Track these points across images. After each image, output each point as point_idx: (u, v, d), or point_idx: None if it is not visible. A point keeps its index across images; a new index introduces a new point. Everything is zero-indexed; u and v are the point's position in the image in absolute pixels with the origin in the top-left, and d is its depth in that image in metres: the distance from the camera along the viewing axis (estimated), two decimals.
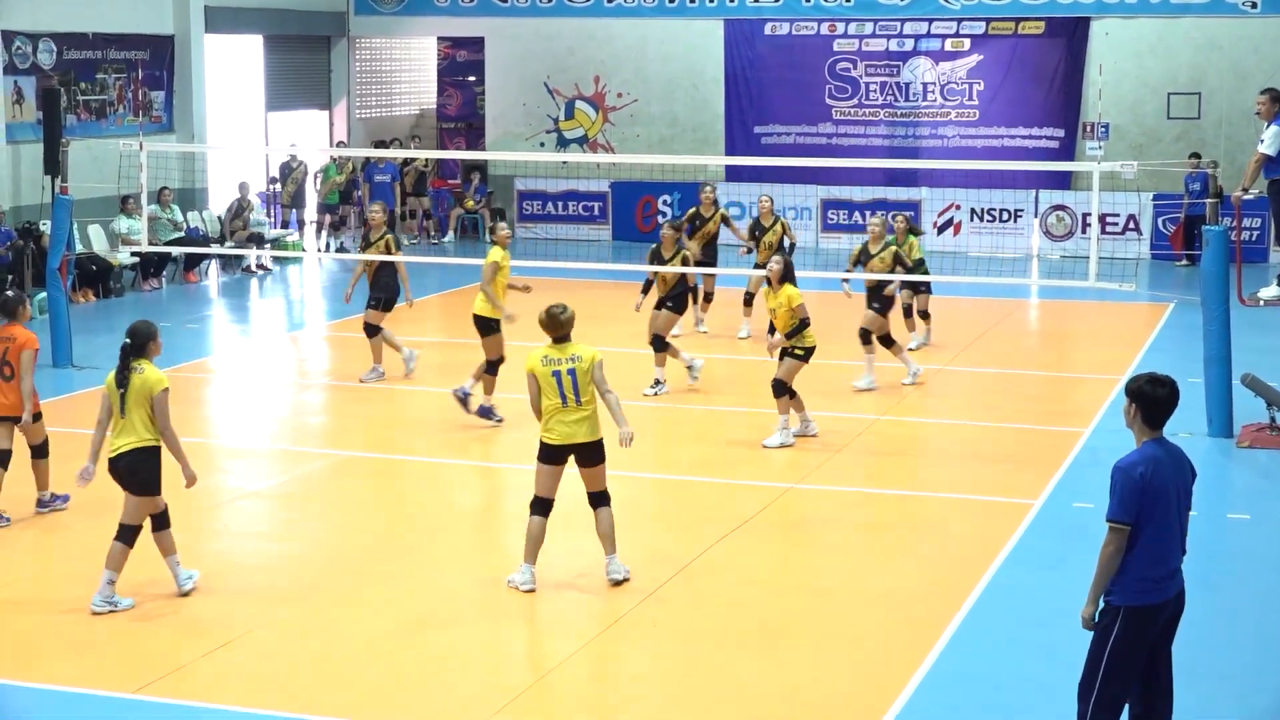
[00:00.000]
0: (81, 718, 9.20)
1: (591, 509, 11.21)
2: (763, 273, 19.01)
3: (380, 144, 31.56)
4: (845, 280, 18.58)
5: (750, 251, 20.04)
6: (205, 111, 28.20)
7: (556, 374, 10.89)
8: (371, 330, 17.75)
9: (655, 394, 16.93)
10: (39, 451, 12.70)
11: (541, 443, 11.01)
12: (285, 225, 29.14)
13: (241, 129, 30.52)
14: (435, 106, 34.36)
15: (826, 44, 29.97)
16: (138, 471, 10.54)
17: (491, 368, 15.75)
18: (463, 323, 18.11)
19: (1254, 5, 27.86)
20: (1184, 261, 27.04)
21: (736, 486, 13.82)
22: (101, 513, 11.68)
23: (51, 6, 25.13)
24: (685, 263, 17.29)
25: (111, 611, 10.55)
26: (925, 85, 29.60)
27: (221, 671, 9.67)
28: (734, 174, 30.21)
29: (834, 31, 29.93)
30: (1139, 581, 7.52)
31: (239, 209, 26.92)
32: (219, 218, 27.20)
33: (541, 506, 11.07)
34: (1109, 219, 27.69)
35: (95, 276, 23.71)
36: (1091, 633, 7.64)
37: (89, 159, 23.80)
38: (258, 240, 26.85)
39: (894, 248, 17.50)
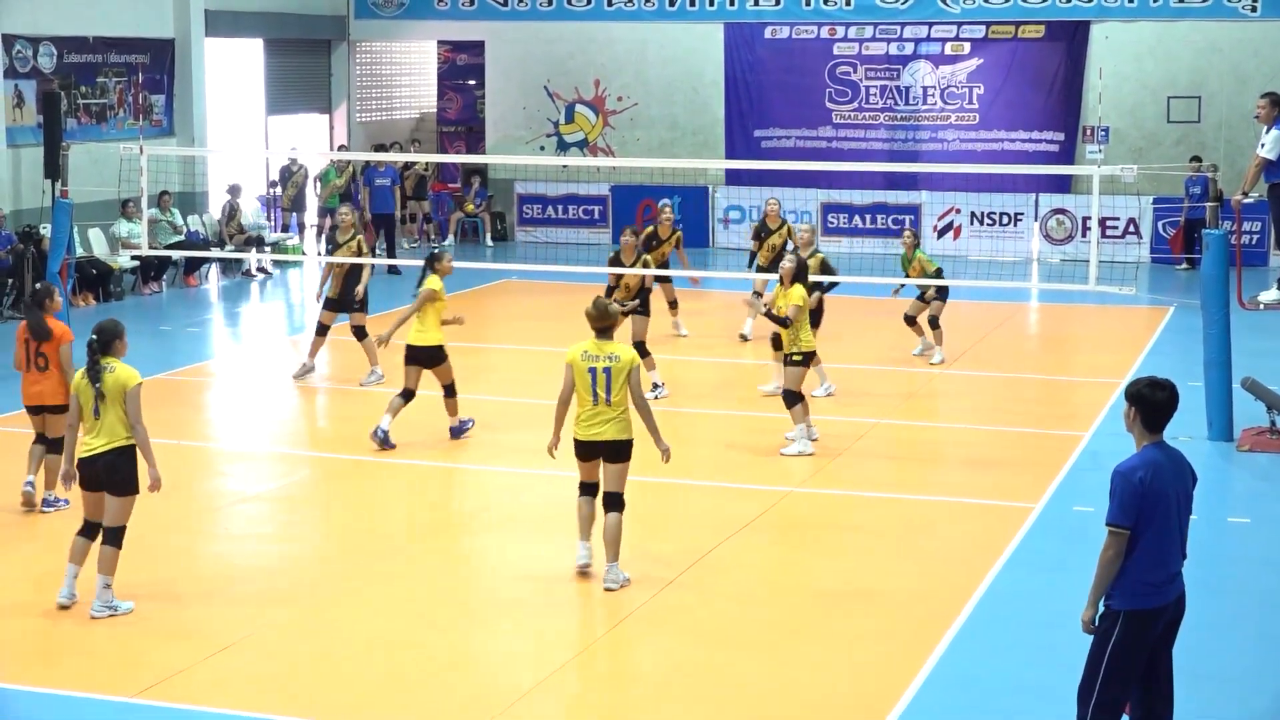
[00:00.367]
0: None
1: (604, 510, 11.25)
2: (762, 276, 19.11)
3: (380, 147, 31.57)
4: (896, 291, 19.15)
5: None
6: (205, 115, 28.20)
7: (592, 370, 11.06)
8: (360, 333, 17.82)
9: (656, 397, 16.91)
10: (56, 447, 12.63)
11: (575, 440, 11.26)
12: (285, 229, 29.14)
13: (242, 133, 30.51)
14: (435, 110, 34.37)
15: (826, 47, 29.98)
16: (119, 470, 10.48)
17: (449, 392, 15.33)
18: (465, 327, 18.10)
19: (1254, 9, 27.87)
20: (1184, 265, 27.05)
21: (737, 490, 13.82)
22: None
23: (52, 10, 25.13)
24: (646, 267, 17.38)
25: (112, 615, 10.54)
26: (925, 89, 29.61)
27: (221, 675, 9.67)
28: (734, 177, 30.22)
29: (834, 35, 29.94)
30: (1139, 585, 7.52)
31: (232, 212, 26.94)
32: (218, 221, 27.20)
33: (587, 488, 11.36)
34: (1109, 222, 27.71)
35: (95, 280, 23.71)
36: (1091, 636, 7.65)
37: (89, 163, 23.80)
38: (258, 244, 26.86)
39: (821, 254, 17.37)
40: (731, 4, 30.31)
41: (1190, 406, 14.83)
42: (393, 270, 25.14)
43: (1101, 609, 7.61)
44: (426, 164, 30.62)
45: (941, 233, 29.14)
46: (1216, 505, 13.38)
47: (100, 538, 10.56)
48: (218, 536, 12.75)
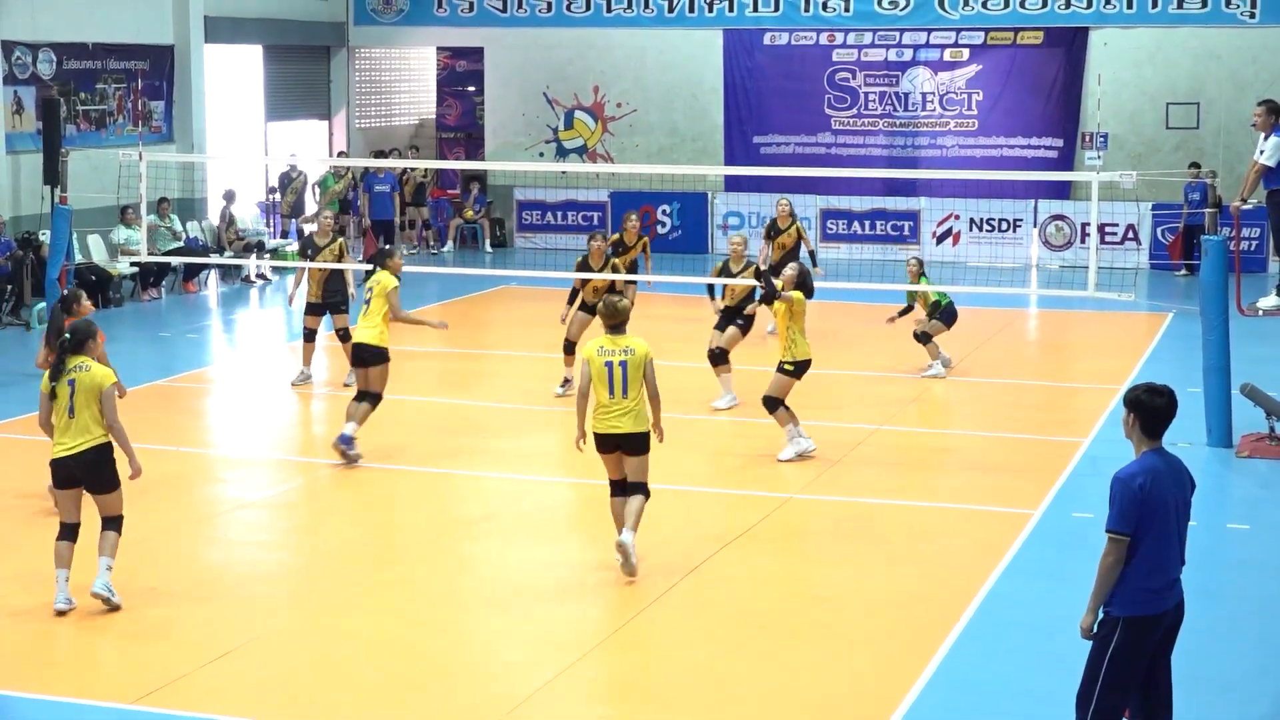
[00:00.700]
0: None
1: (625, 494, 11.57)
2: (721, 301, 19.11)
3: (380, 154, 31.58)
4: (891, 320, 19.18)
5: (650, 285, 20.36)
6: (205, 121, 28.22)
7: (609, 365, 11.42)
8: (344, 335, 17.87)
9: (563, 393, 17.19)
10: None
11: (595, 434, 11.56)
12: (285, 235, 29.15)
13: (241, 139, 30.53)
14: (435, 116, 34.39)
15: (825, 54, 30.00)
16: (100, 469, 10.60)
17: (375, 400, 14.77)
18: (461, 333, 18.13)
19: (1252, 15, 27.90)
20: (1183, 271, 27.06)
21: (736, 496, 13.83)
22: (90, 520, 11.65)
23: (51, 16, 25.14)
24: (615, 271, 17.50)
25: (109, 599, 10.61)
26: (924, 95, 29.63)
27: (220, 681, 9.67)
28: (733, 184, 30.22)
29: (833, 41, 29.96)
30: (1138, 592, 7.52)
31: (230, 219, 26.97)
32: (217, 227, 27.23)
33: (617, 487, 11.63)
34: (1108, 229, 27.72)
35: (94, 286, 23.68)
36: (1091, 643, 7.65)
37: (88, 169, 23.81)
38: (257, 250, 26.86)
39: (755, 264, 17.34)
40: (730, 10, 30.34)
41: (1189, 413, 14.83)
42: None
43: (1101, 615, 7.61)
44: (425, 170, 30.64)
45: (940, 239, 29.16)
46: (1216, 511, 13.38)
47: (100, 526, 10.70)
48: (217, 543, 12.75)
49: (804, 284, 14.83)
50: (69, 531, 10.73)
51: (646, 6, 30.73)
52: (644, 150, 31.03)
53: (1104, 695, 7.56)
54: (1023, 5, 28.90)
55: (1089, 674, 7.63)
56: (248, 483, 14.57)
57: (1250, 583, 11.73)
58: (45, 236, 21.59)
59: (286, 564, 12.27)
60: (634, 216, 20.36)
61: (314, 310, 18.19)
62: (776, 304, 14.67)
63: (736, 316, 17.07)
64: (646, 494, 11.60)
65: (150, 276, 24.79)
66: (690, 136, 31.01)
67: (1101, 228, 26.72)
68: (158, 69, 27.39)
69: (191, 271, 25.55)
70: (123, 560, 11.30)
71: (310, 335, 18.18)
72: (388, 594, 11.34)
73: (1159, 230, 28.08)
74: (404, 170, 29.88)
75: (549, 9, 31.26)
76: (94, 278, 23.72)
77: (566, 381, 17.53)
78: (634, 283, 19.70)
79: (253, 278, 26.72)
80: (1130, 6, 28.43)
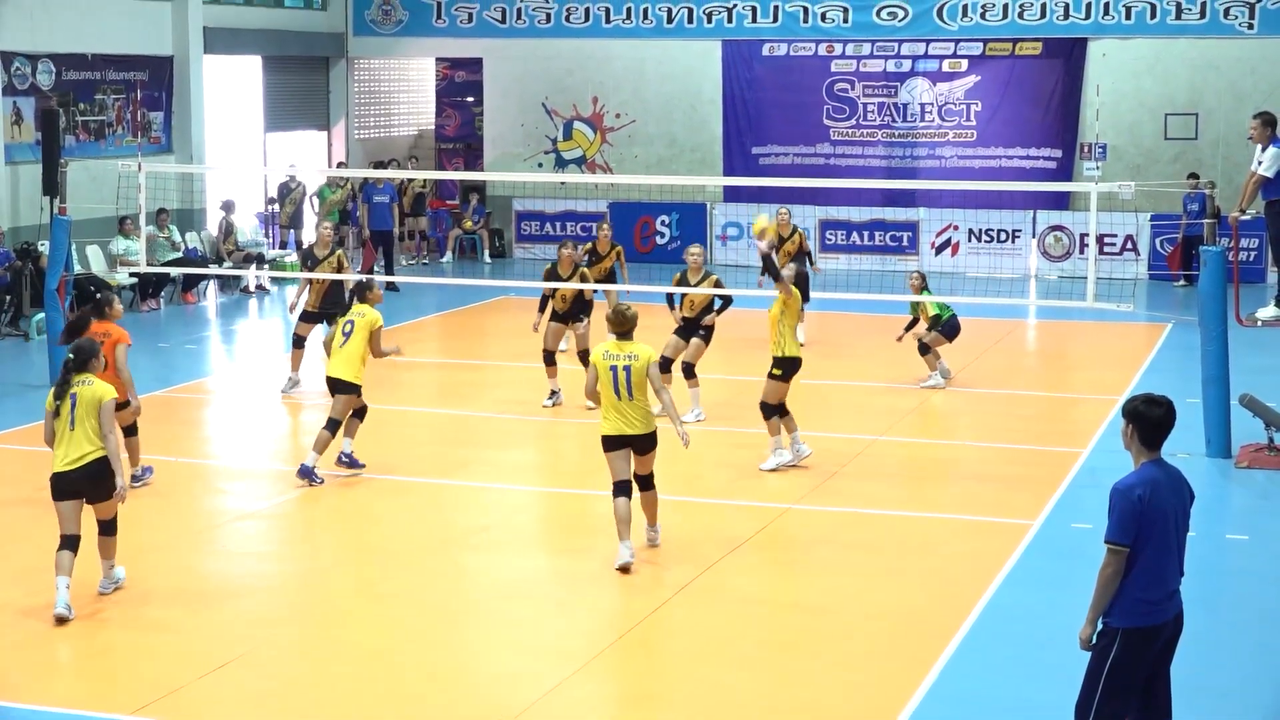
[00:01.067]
0: None
1: (639, 490, 12.16)
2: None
3: (379, 164, 31.59)
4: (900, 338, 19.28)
5: (626, 294, 20.49)
6: (204, 132, 28.23)
7: (614, 369, 11.91)
8: None
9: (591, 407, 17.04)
10: (130, 430, 13.72)
11: (603, 435, 12.00)
12: (283, 246, 29.15)
13: (240, 150, 30.54)
14: (434, 127, 34.41)
15: (824, 65, 30.03)
16: (103, 480, 10.84)
17: (335, 427, 14.57)
18: (459, 343, 18.12)
19: (1250, 26, 27.93)
20: (1182, 282, 27.06)
21: (734, 507, 13.81)
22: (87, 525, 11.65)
23: (51, 27, 25.16)
24: (584, 280, 17.61)
25: (116, 589, 11.11)
26: (923, 106, 29.66)
27: (219, 692, 9.66)
28: (732, 194, 30.25)
29: (832, 52, 29.99)
30: (1137, 603, 7.51)
31: (228, 229, 26.98)
32: (215, 238, 27.23)
33: (620, 489, 11.96)
34: (1107, 239, 27.73)
35: (93, 297, 23.66)
36: (1090, 654, 7.64)
37: (88, 180, 23.81)
38: (256, 261, 26.87)
39: (714, 276, 17.36)
40: (729, 21, 30.37)
41: (1188, 423, 14.82)
42: (391, 287, 25.11)
43: (1100, 626, 7.60)
44: (425, 181, 30.65)
45: (939, 249, 29.16)
46: (1215, 522, 13.37)
47: (97, 531, 11.02)
48: (216, 554, 12.74)
49: (801, 286, 14.92)
50: (70, 542, 10.84)
51: (645, 17, 30.76)
52: (643, 161, 31.06)
53: (1103, 706, 7.56)
54: (1021, 16, 28.93)
55: (1088, 685, 7.62)
56: (246, 493, 14.57)
57: (1249, 593, 11.73)
58: (44, 247, 21.57)
59: (285, 575, 12.26)
60: (606, 225, 20.60)
61: (308, 319, 18.30)
62: (773, 306, 14.71)
63: (697, 328, 17.08)
64: (654, 485, 12.20)
65: (149, 287, 24.78)
66: (689, 147, 31.03)
67: (1100, 238, 26.73)
68: (157, 80, 27.40)
69: (190, 282, 25.54)
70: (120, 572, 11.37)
71: (300, 342, 18.30)
72: (386, 605, 11.33)
73: (1158, 241, 28.10)
74: (403, 181, 29.90)
75: (548, 20, 31.30)
76: (93, 288, 23.68)
77: (554, 394, 17.57)
78: (612, 291, 19.86)
79: (251, 289, 26.72)
80: (1129, 17, 28.46)
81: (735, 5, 30.29)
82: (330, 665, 10.16)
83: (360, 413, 14.74)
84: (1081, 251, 28.08)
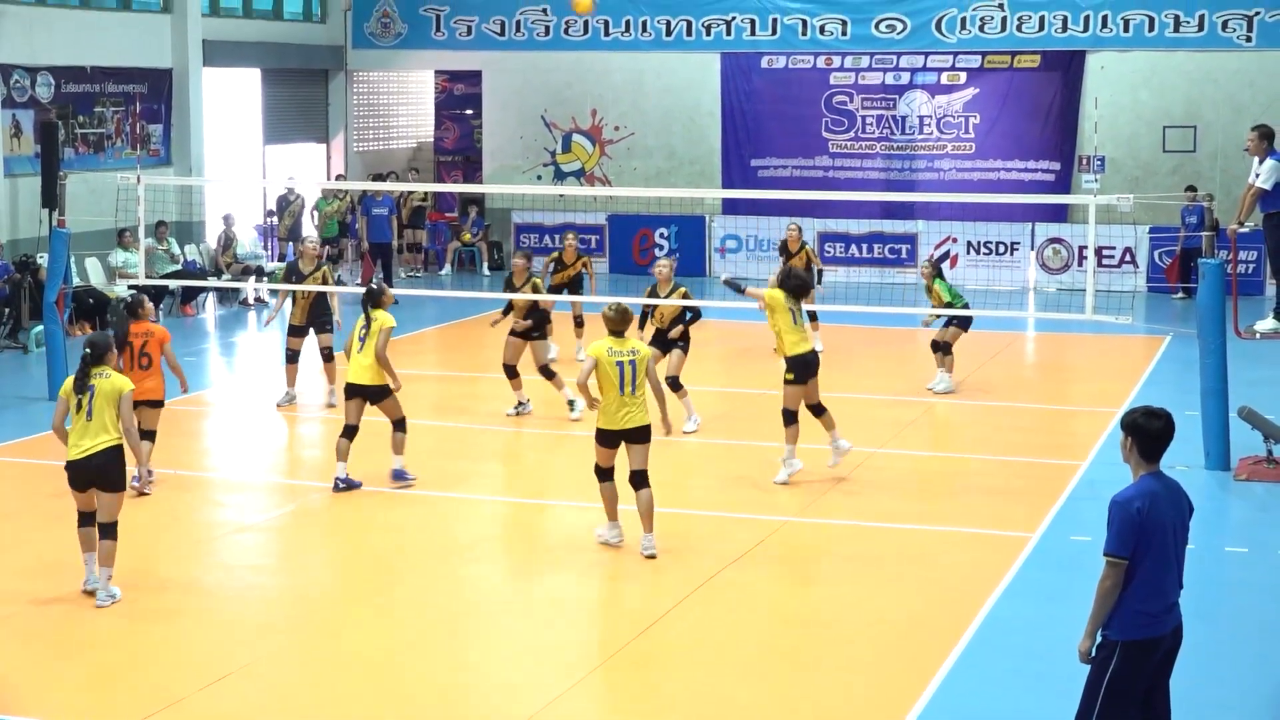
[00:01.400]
0: None
1: (633, 489, 12.42)
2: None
3: (378, 177, 31.61)
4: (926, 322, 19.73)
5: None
6: (203, 145, 28.26)
7: (620, 365, 12.30)
8: (329, 356, 18.24)
9: (576, 417, 17.28)
10: (149, 435, 14.27)
11: (601, 429, 12.41)
12: (282, 258, 29.16)
13: (239, 162, 30.56)
14: (433, 139, 34.44)
15: (823, 77, 30.08)
16: (112, 469, 11.26)
17: (352, 433, 14.70)
18: (458, 355, 18.13)
19: (1248, 39, 27.98)
20: (1180, 294, 27.08)
21: (735, 519, 13.81)
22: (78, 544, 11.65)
23: (50, 40, 25.20)
24: (535, 290, 17.71)
25: (114, 603, 11.22)
26: (921, 118, 29.70)
27: (220, 703, 9.65)
28: (730, 207, 30.28)
29: (830, 65, 30.03)
30: (1136, 616, 7.51)
31: (226, 241, 27.00)
32: (214, 251, 27.25)
33: (604, 474, 12.51)
34: (1105, 252, 27.75)
35: (92, 310, 23.70)
36: (1089, 666, 7.64)
37: (87, 192, 23.83)
38: (256, 273, 26.89)
39: (683, 288, 17.41)
40: (728, 34, 30.42)
41: (1187, 436, 14.79)
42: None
43: (1099, 639, 7.60)
44: (425, 194, 30.67)
45: (938, 262, 29.10)
46: (1214, 535, 13.37)
47: (98, 534, 11.34)
48: (214, 566, 12.73)
49: (785, 282, 14.92)
50: (87, 519, 11.40)
51: (644, 30, 30.80)
52: (642, 173, 31.09)
53: (1102, 719, 7.55)
54: (1019, 29, 28.98)
55: (1087, 698, 7.62)
56: (245, 506, 14.56)
57: (1248, 606, 11.72)
58: (43, 259, 21.59)
59: (285, 586, 12.25)
60: (572, 236, 20.82)
61: (297, 332, 18.44)
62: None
63: (668, 340, 17.14)
64: (649, 482, 12.47)
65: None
66: (688, 159, 31.07)
67: (1099, 251, 26.75)
68: (156, 92, 27.44)
69: (189, 294, 25.55)
70: (121, 584, 11.44)
71: (293, 357, 18.38)
72: (386, 616, 11.33)
73: (1156, 253, 28.13)
74: (401, 193, 29.92)
75: (547, 32, 31.34)
76: (91, 301, 23.71)
77: (520, 405, 17.70)
78: (579, 303, 20.23)
79: (250, 301, 26.72)
80: (1127, 30, 28.52)
81: (734, 18, 30.33)
82: (331, 677, 10.16)
83: (400, 425, 14.74)
84: (1080, 264, 28.10)
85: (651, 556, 12.40)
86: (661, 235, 30.49)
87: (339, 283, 27.85)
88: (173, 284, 24.25)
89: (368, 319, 14.68)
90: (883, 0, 29.62)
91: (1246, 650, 10.78)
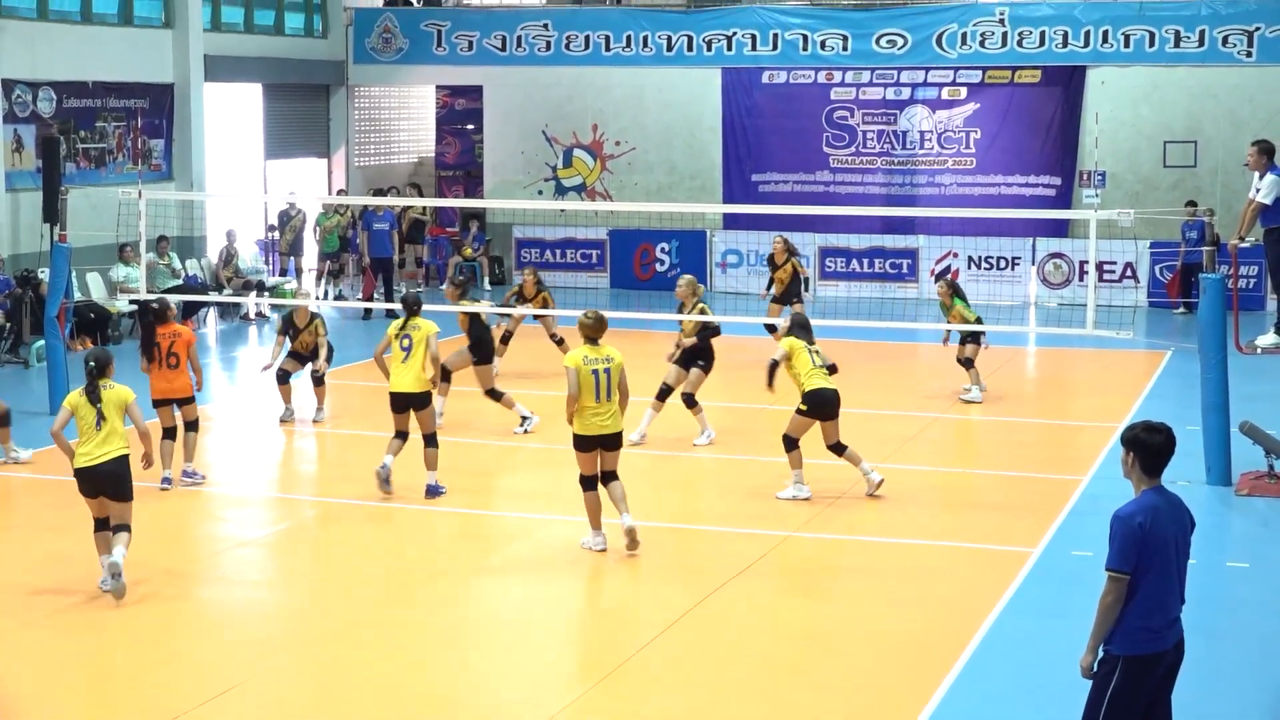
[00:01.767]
0: None
1: (603, 484, 12.93)
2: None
3: (379, 192, 31.62)
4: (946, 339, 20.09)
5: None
6: (204, 159, 28.28)
7: (595, 373, 12.68)
8: (320, 380, 18.56)
9: (525, 430, 17.59)
10: (193, 426, 15.44)
11: (578, 436, 12.79)
12: (283, 273, 29.18)
13: (240, 177, 30.58)
14: (434, 155, 34.46)
15: (824, 92, 30.10)
16: (121, 480, 11.81)
17: (434, 440, 14.98)
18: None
19: (1249, 54, 28.00)
20: (1181, 309, 27.08)
21: (737, 534, 13.80)
22: (80, 558, 11.64)
23: (51, 55, 25.23)
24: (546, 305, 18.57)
25: (118, 576, 11.64)
26: (922, 133, 29.72)
27: (220, 719, 9.65)
28: (731, 222, 30.29)
29: (831, 80, 30.07)
30: (1138, 631, 7.50)
31: (228, 257, 27.02)
32: (215, 265, 27.26)
33: (589, 483, 12.93)
34: (1106, 267, 27.75)
35: (93, 324, 23.71)
36: (1091, 681, 7.63)
37: (88, 207, 23.85)
38: (256, 288, 26.90)
39: (702, 304, 17.48)
40: (729, 49, 30.45)
41: (1188, 451, 14.82)
42: (391, 314, 25.11)
43: (1101, 654, 7.59)
44: (424, 209, 30.68)
45: (939, 276, 29.10)
46: (1215, 550, 13.36)
47: (113, 531, 11.83)
48: (215, 581, 12.72)
49: (793, 330, 14.99)
50: (102, 524, 11.90)
51: (645, 45, 30.84)
52: (643, 188, 31.12)
53: None
54: (1020, 44, 29.01)
55: (1089, 713, 7.60)
56: (246, 520, 14.56)
57: (1250, 621, 11.71)
58: (44, 274, 21.61)
59: (285, 602, 12.24)
60: (529, 271, 21.42)
61: (295, 357, 18.71)
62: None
63: (696, 356, 17.19)
64: (618, 477, 12.94)
65: (148, 314, 24.77)
66: (689, 174, 31.09)
67: (1100, 266, 26.75)
68: (157, 107, 27.46)
69: (190, 309, 25.54)
70: (123, 600, 11.36)
71: (285, 378, 18.52)
72: (388, 632, 11.31)
73: (1157, 268, 28.13)
74: (401, 208, 29.93)
75: (548, 48, 31.38)
76: (93, 315, 23.72)
77: (525, 419, 17.78)
78: (519, 318, 20.99)
79: (251, 316, 26.73)
80: (1127, 45, 28.55)
81: (735, 33, 30.37)
82: (331, 692, 10.14)
83: (432, 439, 14.89)
84: (1081, 279, 28.10)
85: (633, 529, 12.79)
86: (662, 250, 30.51)
87: (340, 298, 28.00)
88: (174, 298, 24.21)
89: (405, 328, 14.80)
90: (884, 15, 29.67)
91: (1248, 665, 10.76)
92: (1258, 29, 27.91)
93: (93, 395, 11.84)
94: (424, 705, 9.92)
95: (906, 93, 29.76)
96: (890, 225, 29.14)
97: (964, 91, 29.46)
